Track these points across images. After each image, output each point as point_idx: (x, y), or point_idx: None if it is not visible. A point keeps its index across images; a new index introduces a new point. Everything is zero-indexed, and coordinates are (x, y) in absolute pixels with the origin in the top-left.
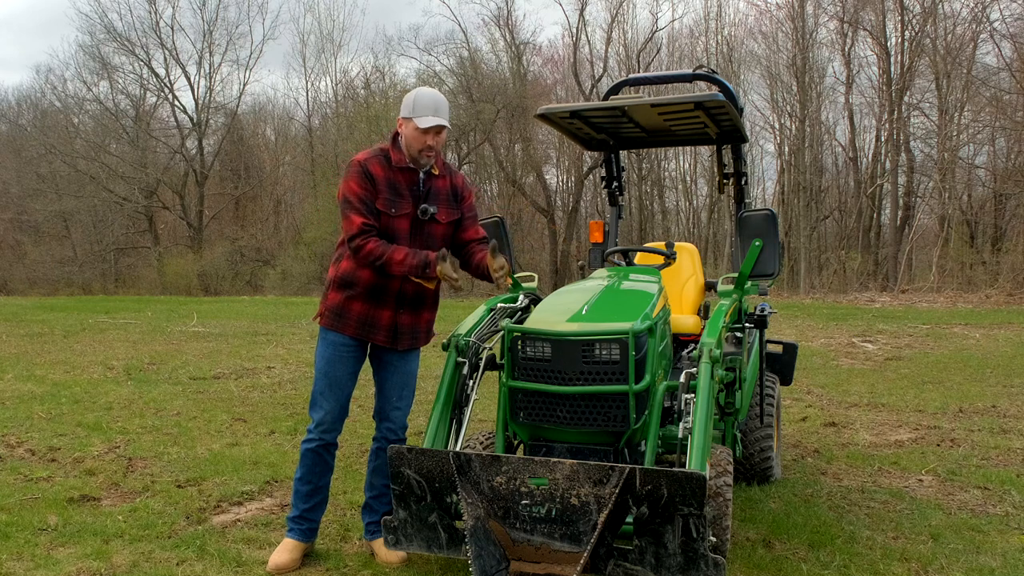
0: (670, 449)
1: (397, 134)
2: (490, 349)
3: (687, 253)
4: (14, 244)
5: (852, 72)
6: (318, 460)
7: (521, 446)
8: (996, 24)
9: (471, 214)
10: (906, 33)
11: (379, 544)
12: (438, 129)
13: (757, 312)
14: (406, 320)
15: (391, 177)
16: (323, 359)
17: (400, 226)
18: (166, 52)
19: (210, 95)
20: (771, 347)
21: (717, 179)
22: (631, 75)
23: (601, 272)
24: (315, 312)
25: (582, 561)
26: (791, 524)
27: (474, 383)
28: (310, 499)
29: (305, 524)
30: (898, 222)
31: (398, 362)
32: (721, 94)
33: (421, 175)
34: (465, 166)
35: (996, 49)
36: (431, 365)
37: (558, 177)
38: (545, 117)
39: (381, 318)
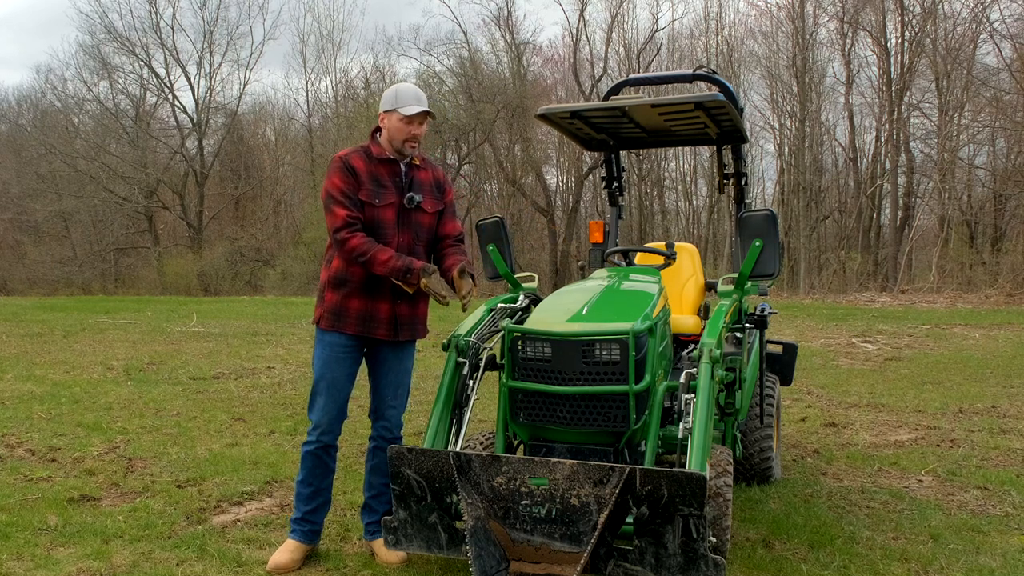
0: (670, 449)
1: (377, 130)
2: (490, 349)
3: (687, 253)
4: (14, 244)
5: (852, 72)
6: (318, 462)
7: (521, 446)
8: (996, 24)
9: (451, 208)
10: (906, 33)
11: (379, 544)
12: (422, 118)
13: (757, 312)
14: (405, 311)
15: (372, 170)
16: (320, 361)
17: (386, 216)
18: (166, 52)
19: (210, 95)
20: (771, 347)
21: (717, 179)
22: (631, 75)
23: (601, 272)
24: (312, 315)
25: (582, 561)
26: (791, 524)
27: (474, 383)
28: (311, 501)
29: (307, 526)
30: (898, 222)
31: (394, 360)
32: (721, 94)
33: (403, 167)
34: (465, 166)
35: (996, 49)
36: (431, 365)
37: (558, 177)
38: (545, 117)
39: (380, 311)
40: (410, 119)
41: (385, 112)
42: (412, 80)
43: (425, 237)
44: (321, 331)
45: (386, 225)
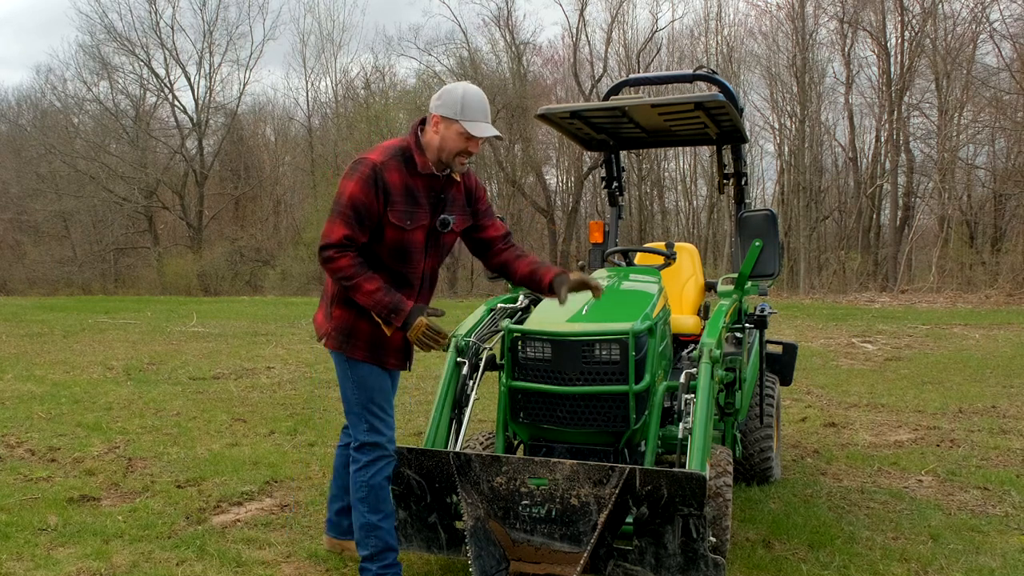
0: (670, 449)
1: (419, 130)
2: (490, 349)
3: (687, 253)
4: (14, 244)
5: (852, 72)
6: (389, 483)
7: (521, 446)
8: (996, 24)
9: (488, 211)
10: (906, 33)
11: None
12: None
13: (757, 312)
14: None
15: (409, 183)
16: (370, 376)
17: (415, 239)
18: (166, 52)
19: (210, 95)
20: (771, 347)
21: (717, 179)
22: (631, 75)
23: (601, 272)
24: (312, 322)
25: (582, 561)
26: (791, 524)
27: (474, 383)
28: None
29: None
30: (898, 222)
31: (393, 386)
32: (721, 94)
33: (442, 180)
34: None
35: (996, 49)
36: (431, 365)
37: (558, 177)
38: (545, 117)
39: (394, 339)
40: (473, 138)
41: (444, 118)
42: (412, 80)
43: (444, 257)
44: (338, 354)
45: (414, 249)
